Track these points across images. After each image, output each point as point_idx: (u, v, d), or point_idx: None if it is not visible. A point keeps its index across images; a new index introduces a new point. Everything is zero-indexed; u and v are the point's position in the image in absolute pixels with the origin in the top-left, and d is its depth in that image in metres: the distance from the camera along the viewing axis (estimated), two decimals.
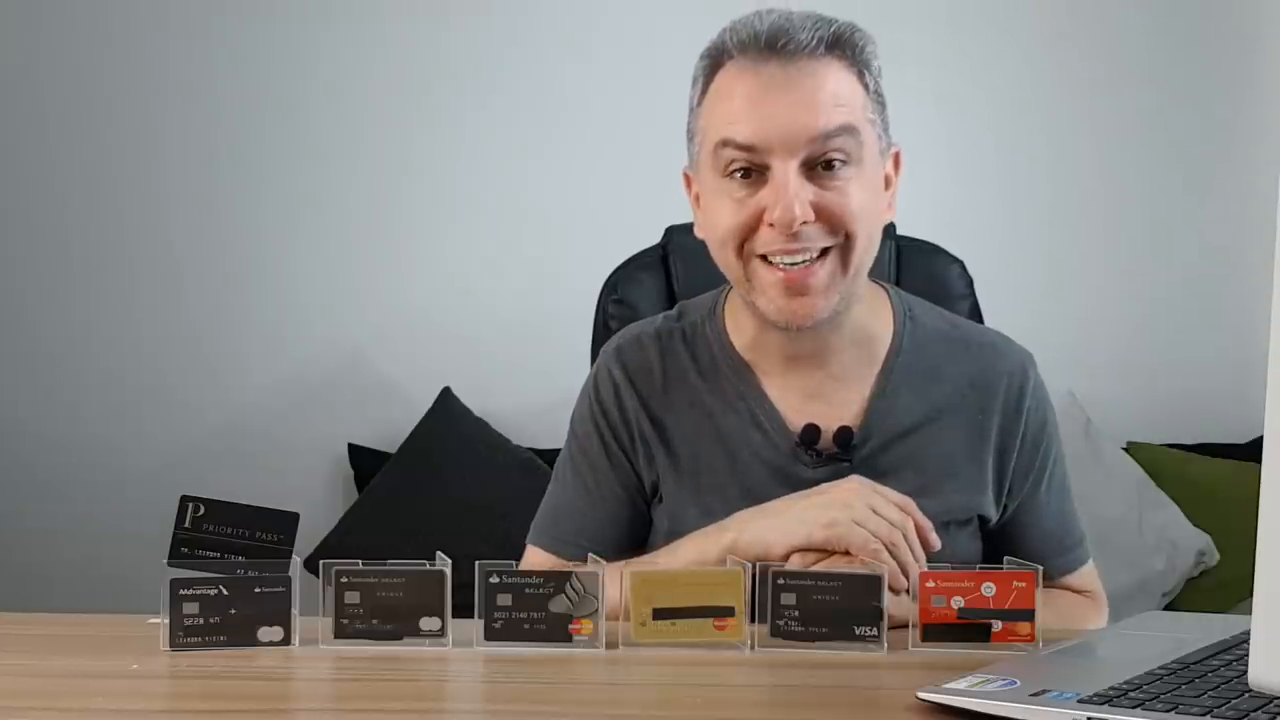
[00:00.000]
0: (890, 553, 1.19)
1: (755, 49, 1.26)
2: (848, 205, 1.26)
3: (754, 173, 1.27)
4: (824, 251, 1.27)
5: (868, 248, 1.30)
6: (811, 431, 1.35)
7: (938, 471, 1.37)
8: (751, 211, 1.27)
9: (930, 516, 1.27)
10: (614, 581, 1.15)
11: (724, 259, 1.33)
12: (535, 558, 1.44)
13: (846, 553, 1.21)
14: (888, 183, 1.33)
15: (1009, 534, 1.42)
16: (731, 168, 1.27)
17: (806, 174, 1.25)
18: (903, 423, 1.37)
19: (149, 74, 3.16)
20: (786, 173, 1.24)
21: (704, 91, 1.31)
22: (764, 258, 1.28)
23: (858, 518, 1.20)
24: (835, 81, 1.26)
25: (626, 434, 1.41)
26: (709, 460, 1.38)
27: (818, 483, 1.30)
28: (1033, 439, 1.41)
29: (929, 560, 1.24)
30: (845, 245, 1.27)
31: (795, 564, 1.22)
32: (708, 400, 1.39)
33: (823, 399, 1.37)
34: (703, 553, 1.27)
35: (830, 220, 1.26)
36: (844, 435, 1.35)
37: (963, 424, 1.38)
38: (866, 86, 1.29)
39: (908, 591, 1.16)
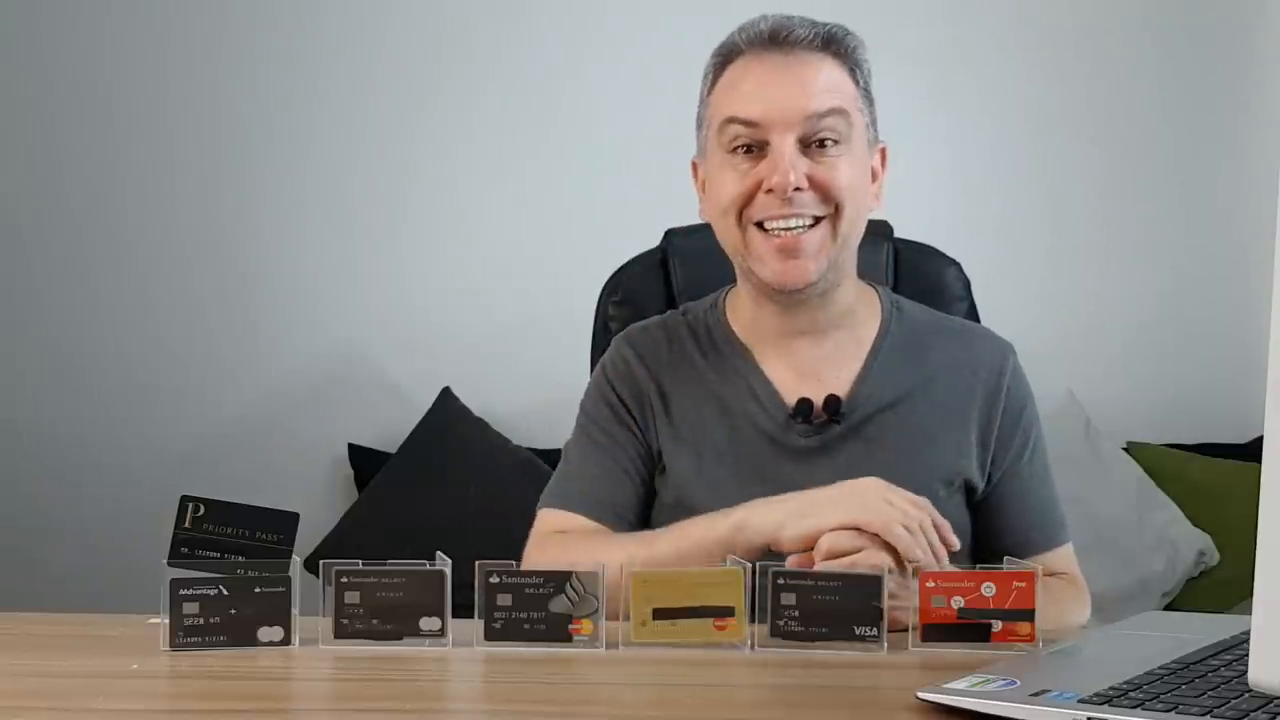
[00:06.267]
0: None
1: (761, 43, 1.41)
2: (838, 178, 1.39)
3: (755, 149, 1.40)
4: (816, 221, 1.40)
5: (854, 220, 1.42)
6: (805, 405, 1.45)
7: (923, 436, 1.45)
8: (752, 181, 1.40)
9: (918, 478, 1.36)
10: (620, 547, 1.29)
11: (724, 227, 1.44)
12: (549, 518, 1.47)
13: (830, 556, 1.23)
14: (874, 176, 1.47)
15: (993, 507, 1.48)
16: (735, 143, 1.40)
17: (802, 150, 1.39)
18: (889, 395, 1.46)
19: (153, 77, 3.16)
20: (783, 145, 1.37)
21: (713, 83, 1.45)
22: (760, 225, 1.41)
23: (875, 506, 1.24)
24: (828, 72, 1.40)
25: (636, 403, 1.50)
26: (711, 430, 1.47)
27: (811, 450, 1.43)
28: (1013, 414, 1.49)
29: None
30: (835, 215, 1.40)
31: (794, 564, 1.23)
32: (710, 377, 1.49)
33: (815, 376, 1.47)
34: (711, 527, 1.31)
35: (822, 190, 1.39)
36: (833, 402, 1.44)
37: (946, 397, 1.47)
38: (857, 82, 1.43)
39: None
